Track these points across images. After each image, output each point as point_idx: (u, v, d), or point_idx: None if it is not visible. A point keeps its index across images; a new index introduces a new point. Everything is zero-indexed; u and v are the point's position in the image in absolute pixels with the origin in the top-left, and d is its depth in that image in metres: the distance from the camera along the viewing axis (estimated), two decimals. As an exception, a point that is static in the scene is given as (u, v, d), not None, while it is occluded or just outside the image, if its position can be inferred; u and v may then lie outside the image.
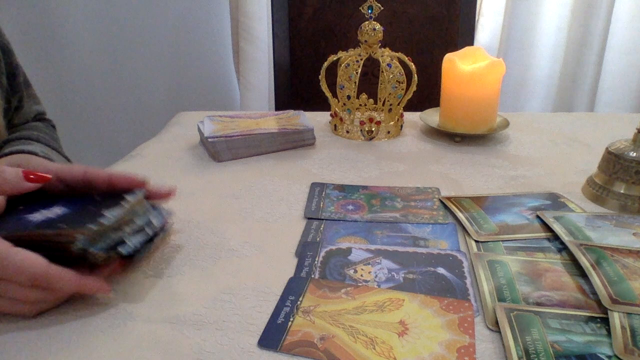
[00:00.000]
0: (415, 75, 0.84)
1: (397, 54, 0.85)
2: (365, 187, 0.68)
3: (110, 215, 0.45)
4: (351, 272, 0.50)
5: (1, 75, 0.67)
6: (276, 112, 0.89)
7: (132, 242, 0.46)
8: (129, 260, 0.48)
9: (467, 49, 0.85)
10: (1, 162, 0.56)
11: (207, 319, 0.44)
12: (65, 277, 0.42)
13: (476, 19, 1.45)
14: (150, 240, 0.49)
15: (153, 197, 0.53)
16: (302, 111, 0.89)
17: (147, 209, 0.51)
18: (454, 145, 0.84)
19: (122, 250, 0.45)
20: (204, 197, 0.66)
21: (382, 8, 0.84)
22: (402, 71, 0.83)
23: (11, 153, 0.59)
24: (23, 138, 0.66)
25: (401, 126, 0.89)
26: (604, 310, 0.43)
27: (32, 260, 0.41)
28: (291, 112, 0.89)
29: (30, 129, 0.70)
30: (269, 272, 0.51)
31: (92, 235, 0.43)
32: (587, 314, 0.44)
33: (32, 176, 0.47)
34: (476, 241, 0.55)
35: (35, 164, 0.54)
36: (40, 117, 0.76)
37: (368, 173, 0.73)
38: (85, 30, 1.45)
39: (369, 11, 0.83)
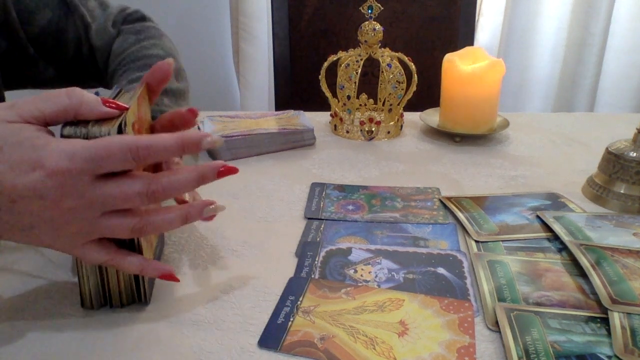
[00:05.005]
0: (415, 75, 0.84)
1: (397, 54, 0.85)
2: (365, 187, 0.68)
3: None
4: (351, 272, 0.50)
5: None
6: (276, 112, 0.89)
7: None
8: None
9: (467, 49, 0.85)
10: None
11: (207, 319, 0.44)
12: None
13: (476, 19, 1.45)
14: None
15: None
16: (302, 111, 0.89)
17: None
18: (454, 145, 0.83)
19: None
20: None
21: (382, 8, 0.84)
22: (402, 71, 0.83)
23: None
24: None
25: (401, 126, 0.89)
26: (604, 310, 0.43)
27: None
28: (291, 112, 0.89)
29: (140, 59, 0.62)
30: (269, 272, 0.51)
31: None
32: (587, 314, 0.44)
33: (111, 104, 0.45)
34: (476, 241, 0.55)
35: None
36: (126, 18, 0.66)
37: (368, 173, 0.73)
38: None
39: (369, 11, 0.83)
